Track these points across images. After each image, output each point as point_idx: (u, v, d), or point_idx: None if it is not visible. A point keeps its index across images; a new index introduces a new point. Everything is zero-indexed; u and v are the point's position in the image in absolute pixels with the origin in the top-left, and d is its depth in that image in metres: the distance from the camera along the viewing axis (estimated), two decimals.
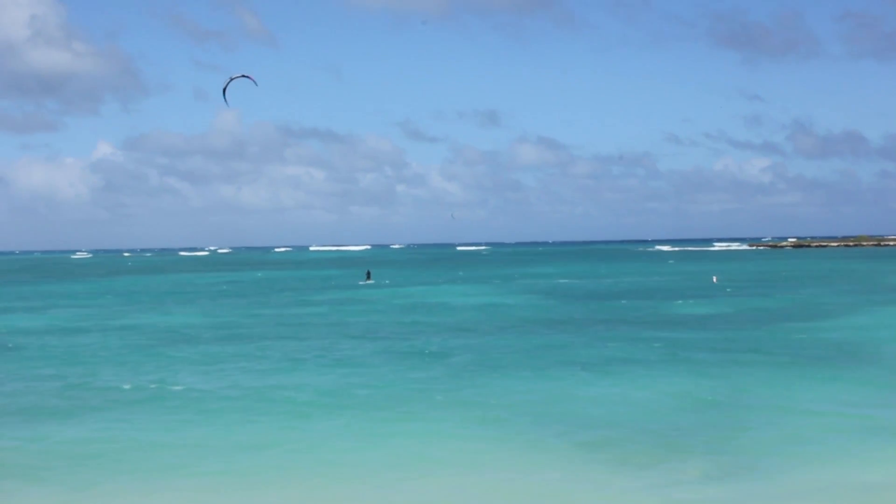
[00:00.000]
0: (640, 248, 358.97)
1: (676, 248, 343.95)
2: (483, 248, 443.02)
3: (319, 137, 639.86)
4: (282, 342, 53.04)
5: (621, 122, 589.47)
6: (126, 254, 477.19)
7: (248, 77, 36.12)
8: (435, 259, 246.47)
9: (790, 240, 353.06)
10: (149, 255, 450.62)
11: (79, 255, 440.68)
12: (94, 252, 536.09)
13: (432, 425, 30.44)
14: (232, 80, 36.05)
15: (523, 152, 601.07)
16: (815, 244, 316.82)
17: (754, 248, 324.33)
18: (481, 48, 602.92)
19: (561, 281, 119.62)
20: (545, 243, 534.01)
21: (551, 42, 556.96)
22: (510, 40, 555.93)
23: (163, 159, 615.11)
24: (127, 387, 38.55)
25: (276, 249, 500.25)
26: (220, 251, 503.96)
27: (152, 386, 38.73)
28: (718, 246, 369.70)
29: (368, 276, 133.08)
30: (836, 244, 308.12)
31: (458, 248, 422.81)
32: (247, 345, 52.16)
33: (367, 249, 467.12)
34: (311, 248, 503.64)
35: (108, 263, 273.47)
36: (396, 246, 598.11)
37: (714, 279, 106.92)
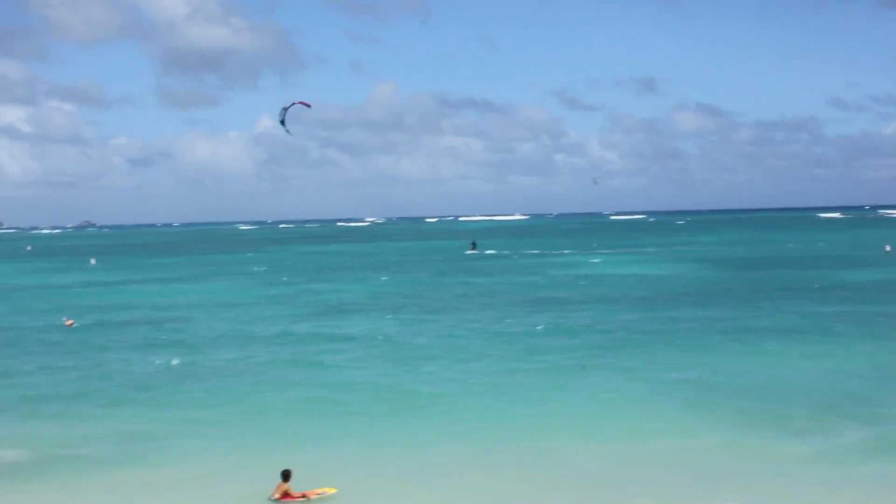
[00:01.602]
0: (806, 216, 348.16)
1: (844, 216, 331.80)
2: (641, 216, 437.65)
3: (476, 107, 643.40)
4: (454, 312, 54.73)
5: (783, 86, 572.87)
6: (282, 225, 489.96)
7: (303, 104, 36.58)
8: (588, 228, 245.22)
9: None
10: (315, 225, 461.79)
11: (243, 227, 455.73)
12: (258, 224, 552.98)
13: (596, 391, 31.40)
14: (286, 109, 36.68)
15: (682, 119, 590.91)
16: None
17: None
18: (637, 14, 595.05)
19: (722, 249, 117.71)
20: (706, 211, 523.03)
21: (709, 5, 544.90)
22: (666, 4, 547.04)
23: (322, 132, 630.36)
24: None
25: (428, 219, 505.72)
26: (377, 222, 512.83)
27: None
28: (888, 213, 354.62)
29: (474, 245, 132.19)
30: None
31: (612, 218, 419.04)
32: (416, 314, 54.05)
33: (525, 219, 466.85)
34: (461, 219, 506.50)
35: (273, 234, 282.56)
36: (554, 215, 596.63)
37: (887, 248, 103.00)
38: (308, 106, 37.00)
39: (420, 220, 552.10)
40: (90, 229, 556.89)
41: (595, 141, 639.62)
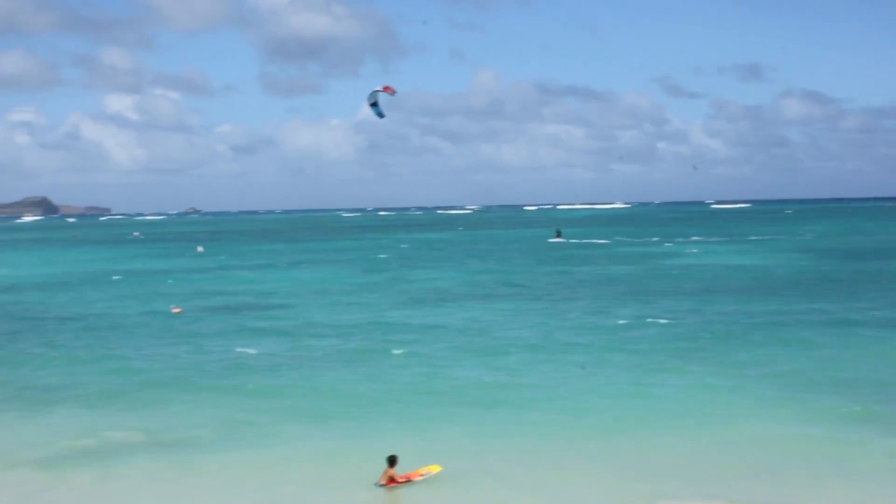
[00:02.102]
0: None
1: None
2: (744, 205, 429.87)
3: (577, 95, 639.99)
4: (547, 301, 55.02)
5: (893, 72, 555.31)
6: (381, 213, 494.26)
7: (388, 90, 36.55)
8: (689, 217, 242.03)
9: None
10: (418, 213, 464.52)
11: (345, 215, 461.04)
12: (359, 211, 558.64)
13: (694, 384, 31.37)
14: (375, 92, 36.75)
15: (788, 106, 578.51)
16: None
17: None
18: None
19: (828, 240, 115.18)
20: (811, 200, 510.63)
21: None
22: None
23: (423, 119, 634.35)
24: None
25: (526, 207, 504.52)
26: (475, 210, 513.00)
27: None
28: None
29: (558, 234, 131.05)
30: None
31: (714, 206, 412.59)
32: (525, 302, 54.47)
33: (626, 207, 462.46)
34: (560, 207, 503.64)
35: (373, 222, 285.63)
36: (656, 203, 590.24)
37: None
38: (392, 93, 37.28)
39: (519, 207, 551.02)
40: (192, 216, 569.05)
41: (698, 128, 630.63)
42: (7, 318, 52.55)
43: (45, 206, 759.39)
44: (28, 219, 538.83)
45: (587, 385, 31.71)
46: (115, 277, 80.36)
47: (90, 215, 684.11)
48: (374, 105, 37.75)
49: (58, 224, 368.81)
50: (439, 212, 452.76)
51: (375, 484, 22.08)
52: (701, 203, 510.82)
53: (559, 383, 32.18)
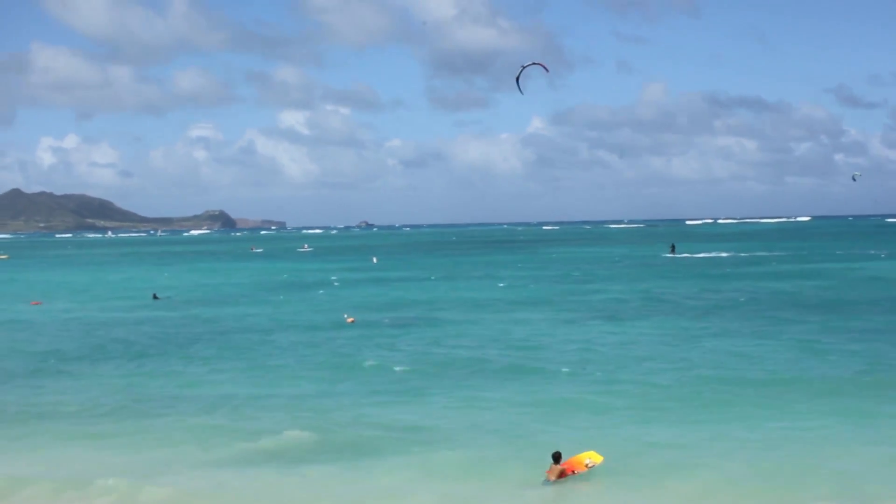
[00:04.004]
0: None
1: None
2: None
3: (748, 106, 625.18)
4: (712, 319, 55.24)
5: None
6: (546, 227, 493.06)
7: (539, 64, 36.17)
8: (864, 232, 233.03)
9: None
10: (588, 227, 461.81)
11: (513, 228, 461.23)
12: (524, 225, 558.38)
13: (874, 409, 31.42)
14: (524, 67, 36.36)
15: None
16: None
17: None
18: None
19: None
20: None
21: None
22: None
23: (591, 132, 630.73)
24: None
25: (688, 222, 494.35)
26: (638, 224, 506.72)
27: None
28: None
29: (673, 249, 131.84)
30: None
31: (888, 220, 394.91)
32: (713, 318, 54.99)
33: (806, 221, 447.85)
34: (720, 221, 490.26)
35: (540, 235, 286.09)
36: (836, 216, 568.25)
37: None
38: (546, 70, 36.97)
39: (680, 221, 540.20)
40: (355, 229, 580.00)
41: (877, 140, 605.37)
42: (198, 325, 56.05)
43: (223, 219, 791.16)
44: (195, 232, 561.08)
45: (760, 397, 32.00)
46: (292, 288, 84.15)
47: (264, 228, 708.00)
48: (524, 68, 37.03)
49: (227, 238, 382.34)
50: (610, 226, 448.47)
51: (544, 482, 23.20)
52: (881, 217, 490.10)
53: (737, 395, 32.54)
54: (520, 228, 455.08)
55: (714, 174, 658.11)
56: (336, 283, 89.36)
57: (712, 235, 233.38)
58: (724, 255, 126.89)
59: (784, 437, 26.90)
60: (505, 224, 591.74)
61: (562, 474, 23.24)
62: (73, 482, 23.83)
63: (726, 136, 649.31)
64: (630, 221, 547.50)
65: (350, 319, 56.00)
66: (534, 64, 36.12)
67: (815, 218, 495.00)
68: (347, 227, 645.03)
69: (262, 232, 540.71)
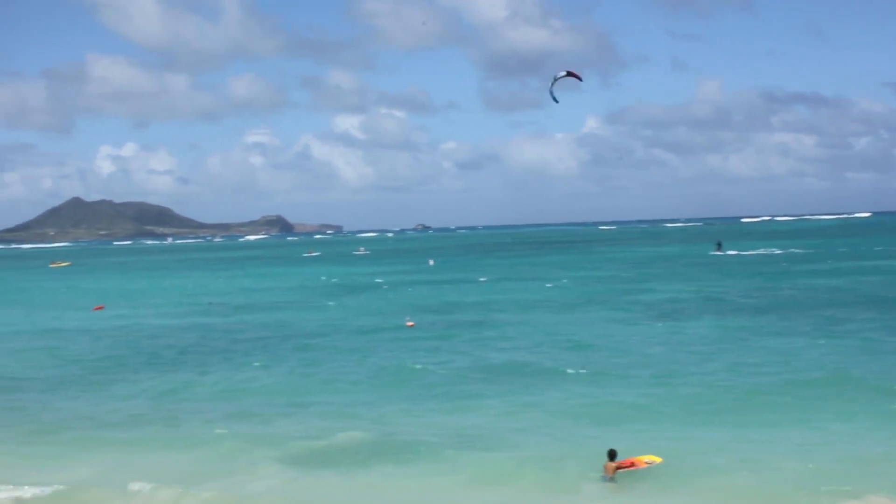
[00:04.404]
0: None
1: None
2: None
3: (805, 102, 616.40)
4: (784, 317, 54.60)
5: None
6: (602, 227, 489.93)
7: (574, 75, 36.04)
8: None
9: None
10: (644, 226, 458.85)
11: (570, 229, 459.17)
12: (581, 225, 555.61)
13: None
14: (556, 79, 36.23)
15: None
16: None
17: None
18: None
19: None
20: None
21: None
22: None
23: (646, 131, 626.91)
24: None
25: (744, 219, 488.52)
26: (688, 224, 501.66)
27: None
28: None
29: (719, 246, 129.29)
30: None
31: None
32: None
33: (866, 217, 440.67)
34: (778, 218, 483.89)
35: (596, 235, 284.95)
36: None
37: None
38: (580, 79, 36.84)
39: (736, 220, 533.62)
40: (411, 232, 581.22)
41: None
42: (253, 330, 56.82)
43: (280, 224, 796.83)
44: (251, 237, 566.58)
45: (828, 398, 31.77)
46: (353, 291, 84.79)
47: (321, 232, 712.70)
48: (557, 81, 36.38)
49: (282, 243, 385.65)
50: (666, 225, 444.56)
51: (602, 478, 23.39)
52: None
53: (804, 394, 32.42)
54: (576, 228, 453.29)
55: (771, 171, 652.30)
56: (385, 287, 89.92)
57: (767, 233, 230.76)
58: (776, 251, 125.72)
59: (843, 437, 26.76)
60: (561, 225, 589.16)
61: (618, 468, 23.40)
62: (125, 489, 24.22)
63: (783, 133, 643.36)
64: (686, 220, 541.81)
65: (410, 323, 56.29)
66: (567, 75, 36.09)
67: (875, 213, 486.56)
68: (403, 230, 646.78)
69: (317, 236, 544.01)
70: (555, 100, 36.83)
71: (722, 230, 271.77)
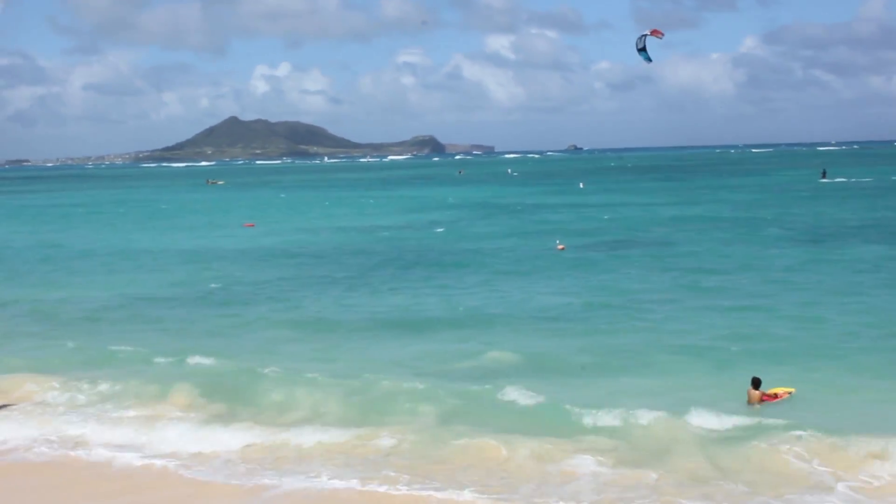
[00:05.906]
0: None
1: None
2: None
3: None
4: None
5: None
6: (754, 150, 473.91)
7: (655, 33, 34.68)
8: None
9: None
10: (802, 149, 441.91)
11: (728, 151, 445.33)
12: (734, 147, 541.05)
13: None
14: (643, 39, 35.02)
15: None
16: None
17: None
18: None
19: None
20: None
21: None
22: None
23: (806, 51, 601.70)
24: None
25: None
26: (839, 147, 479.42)
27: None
28: None
29: (824, 174, 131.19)
30: None
31: None
32: None
33: None
34: None
35: (750, 158, 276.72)
36: None
37: None
38: (661, 36, 36.17)
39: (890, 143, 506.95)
40: (561, 154, 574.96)
41: None
42: (410, 251, 58.34)
43: (432, 144, 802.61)
44: (395, 158, 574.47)
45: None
46: (501, 214, 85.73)
47: (473, 153, 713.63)
48: (641, 50, 36.66)
49: (430, 163, 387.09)
50: (821, 149, 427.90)
51: (748, 404, 23.66)
52: None
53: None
54: (732, 151, 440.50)
55: None
56: (548, 208, 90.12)
57: None
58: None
59: None
60: (714, 147, 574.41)
61: (766, 396, 23.70)
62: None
63: None
64: (837, 143, 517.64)
65: (561, 246, 56.65)
66: (651, 34, 35.64)
67: None
68: (555, 151, 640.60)
69: (457, 157, 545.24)
70: (648, 59, 36.72)
71: (883, 153, 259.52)
